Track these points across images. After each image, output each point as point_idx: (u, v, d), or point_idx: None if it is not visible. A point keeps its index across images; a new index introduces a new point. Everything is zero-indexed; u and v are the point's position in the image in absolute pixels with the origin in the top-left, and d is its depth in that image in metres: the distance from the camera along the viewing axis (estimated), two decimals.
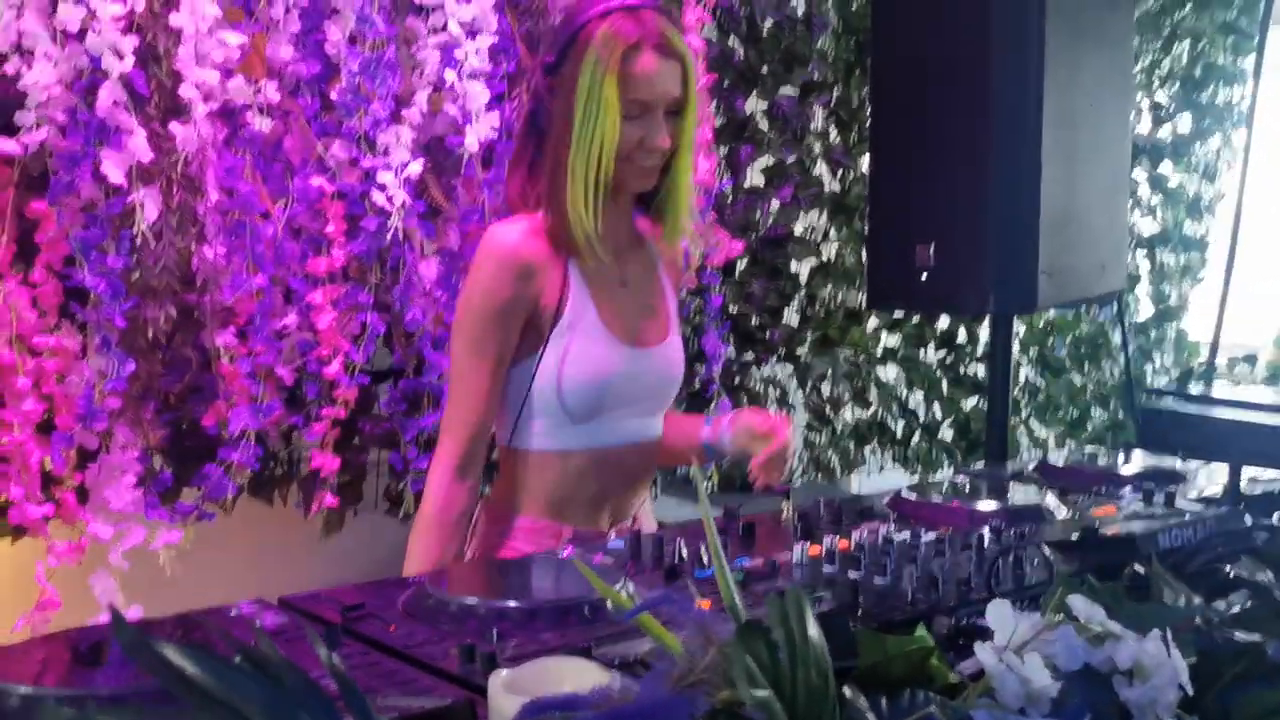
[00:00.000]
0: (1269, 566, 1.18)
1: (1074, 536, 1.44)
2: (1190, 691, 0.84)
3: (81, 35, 1.80)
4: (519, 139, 1.77)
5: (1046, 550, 1.27)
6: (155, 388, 2.06)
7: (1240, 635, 0.99)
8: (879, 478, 3.65)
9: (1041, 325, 4.02)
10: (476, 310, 1.67)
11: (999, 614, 0.88)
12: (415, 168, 2.10)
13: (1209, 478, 1.97)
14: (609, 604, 1.14)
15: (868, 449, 3.56)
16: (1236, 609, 1.09)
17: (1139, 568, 1.14)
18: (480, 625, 1.08)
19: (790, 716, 0.59)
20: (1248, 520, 1.51)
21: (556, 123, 1.65)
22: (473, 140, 2.17)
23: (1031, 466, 2.05)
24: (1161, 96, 4.35)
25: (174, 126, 1.89)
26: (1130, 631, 0.89)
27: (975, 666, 0.85)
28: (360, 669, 0.96)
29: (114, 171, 1.84)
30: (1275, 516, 1.54)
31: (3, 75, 1.82)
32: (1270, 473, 1.96)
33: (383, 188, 2.08)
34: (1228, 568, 1.18)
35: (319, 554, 2.39)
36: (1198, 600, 1.08)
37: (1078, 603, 0.92)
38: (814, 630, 0.63)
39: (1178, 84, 4.37)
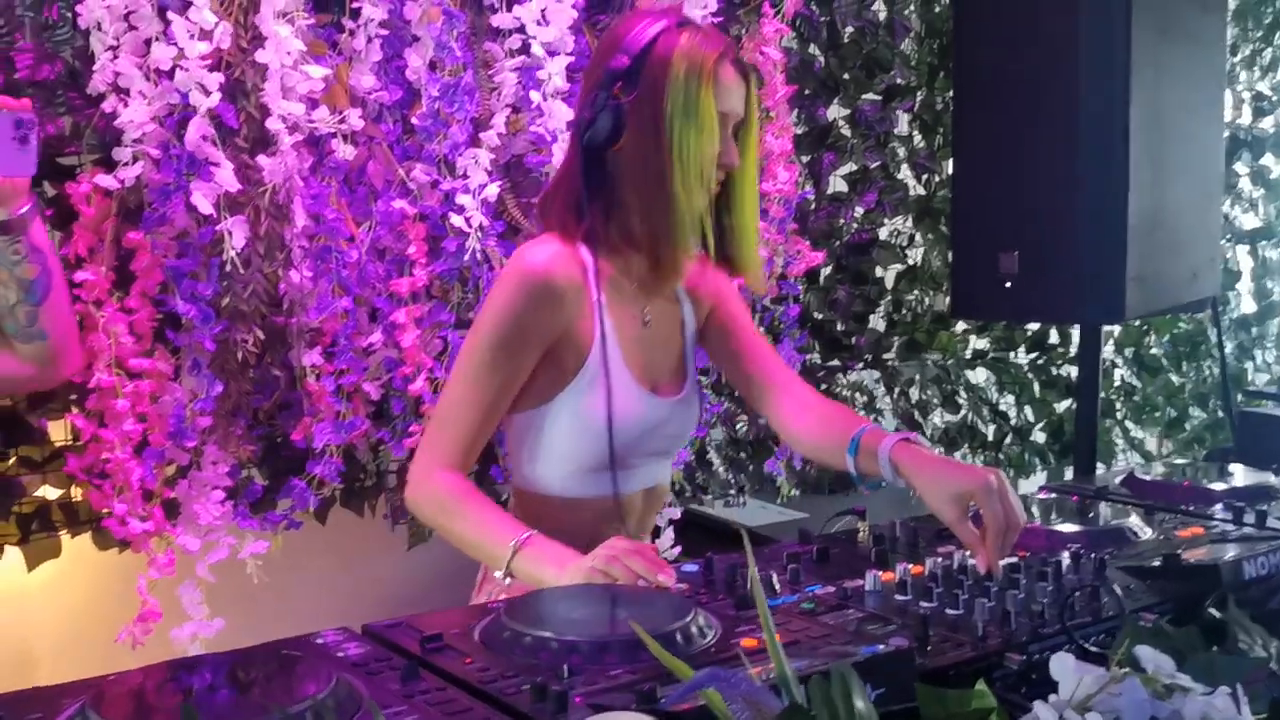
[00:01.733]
0: None
1: (1155, 563, 1.42)
2: None
3: (172, 73, 1.87)
4: (570, 161, 1.63)
5: (1117, 586, 1.24)
6: (245, 406, 2.13)
7: None
8: None
9: (1139, 324, 3.93)
10: (497, 326, 1.56)
11: (1063, 666, 0.88)
12: (493, 190, 2.14)
13: None
14: (678, 638, 1.16)
15: (958, 453, 3.52)
16: None
17: (1213, 611, 1.11)
18: (553, 659, 1.10)
19: None
20: None
21: (638, 128, 1.55)
22: (559, 158, 2.20)
23: (1119, 480, 2.02)
24: (1264, 86, 4.21)
25: (261, 158, 1.95)
26: (1199, 684, 0.88)
27: None
28: (436, 706, 1.00)
29: (203, 202, 1.90)
30: None
31: (101, 113, 1.90)
32: None
33: (461, 209, 2.12)
34: None
35: (405, 563, 2.45)
36: (1275, 644, 1.06)
37: (1145, 653, 0.91)
38: (861, 703, 0.63)
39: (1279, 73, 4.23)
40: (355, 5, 2.05)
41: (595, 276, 1.60)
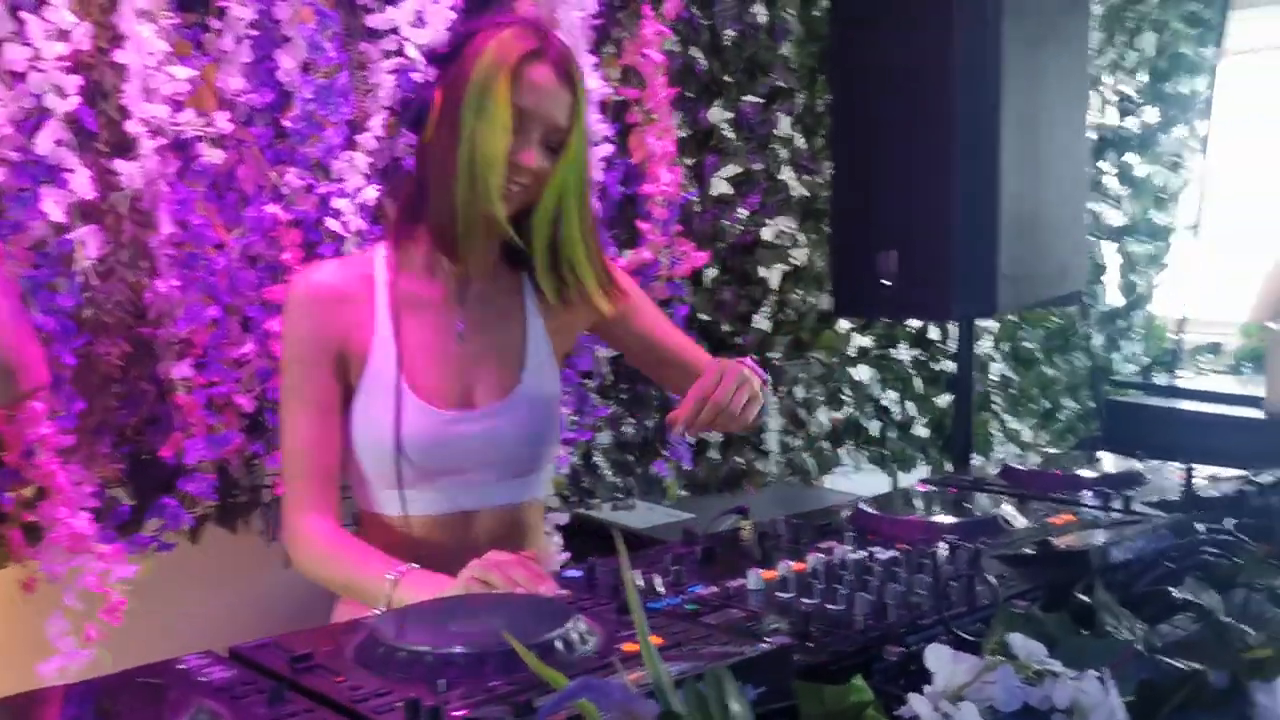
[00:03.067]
0: (1214, 587, 1.19)
1: (1028, 551, 1.45)
2: None
3: (25, 75, 1.79)
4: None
5: (991, 576, 1.27)
6: (111, 422, 2.05)
7: (1182, 663, 0.99)
8: (855, 478, 3.66)
9: (1013, 319, 4.04)
10: (285, 355, 1.56)
11: (938, 657, 0.88)
12: (371, 193, 2.09)
13: (1169, 477, 1.98)
14: (558, 645, 1.14)
15: (843, 450, 3.57)
16: (1182, 633, 1.09)
17: (1083, 596, 1.14)
18: (428, 673, 1.07)
19: None
20: (1201, 529, 1.51)
21: (439, 115, 1.51)
22: None
23: (995, 471, 2.06)
24: (1128, 88, 4.37)
25: (119, 163, 1.88)
26: (1069, 669, 0.89)
27: (912, 712, 0.85)
28: None
29: (54, 209, 1.83)
30: (1229, 523, 1.54)
31: None
32: (1228, 470, 1.98)
33: (338, 214, 2.07)
34: (1173, 590, 1.18)
35: (283, 580, 2.38)
36: (1141, 627, 1.08)
37: (1017, 640, 0.92)
38: (736, 705, 0.63)
39: (1144, 75, 4.39)
40: (222, 4, 2.00)
41: (389, 290, 1.56)
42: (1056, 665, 0.90)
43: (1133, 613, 1.13)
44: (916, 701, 0.82)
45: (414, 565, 1.47)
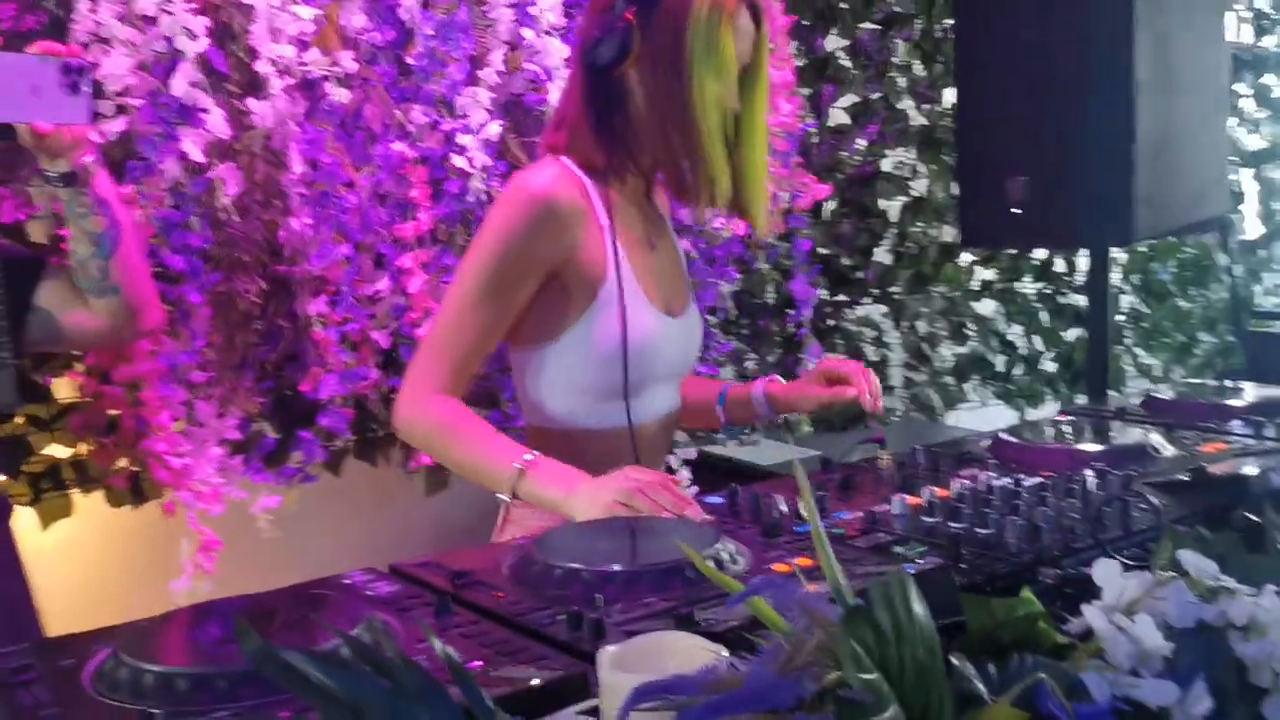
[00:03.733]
0: None
1: (1182, 477, 1.41)
2: None
3: (156, 19, 1.83)
4: (575, 84, 1.60)
5: (1151, 497, 1.23)
6: (251, 358, 2.10)
7: None
8: (981, 413, 3.60)
9: (1144, 250, 3.90)
10: (493, 254, 1.51)
11: (1106, 573, 0.86)
12: (494, 129, 2.10)
13: None
14: (710, 564, 1.14)
15: (968, 385, 3.51)
16: None
17: (1250, 514, 1.10)
18: (585, 590, 1.08)
19: (899, 695, 0.58)
20: None
21: (655, 58, 1.52)
22: (556, 96, 2.16)
23: (1137, 401, 2.00)
24: (1263, 4, 4.16)
25: (251, 102, 1.91)
26: (1244, 585, 0.86)
27: (1083, 627, 0.83)
28: (472, 638, 0.98)
29: (193, 150, 1.87)
30: None
31: None
32: None
33: (463, 150, 2.08)
34: None
35: (423, 512, 2.44)
36: None
37: (1188, 557, 0.89)
38: (919, 607, 0.62)
39: None
40: None
41: (602, 200, 1.57)
42: (1230, 581, 0.88)
43: None
44: (1090, 613, 0.80)
45: (538, 453, 1.47)
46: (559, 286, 1.55)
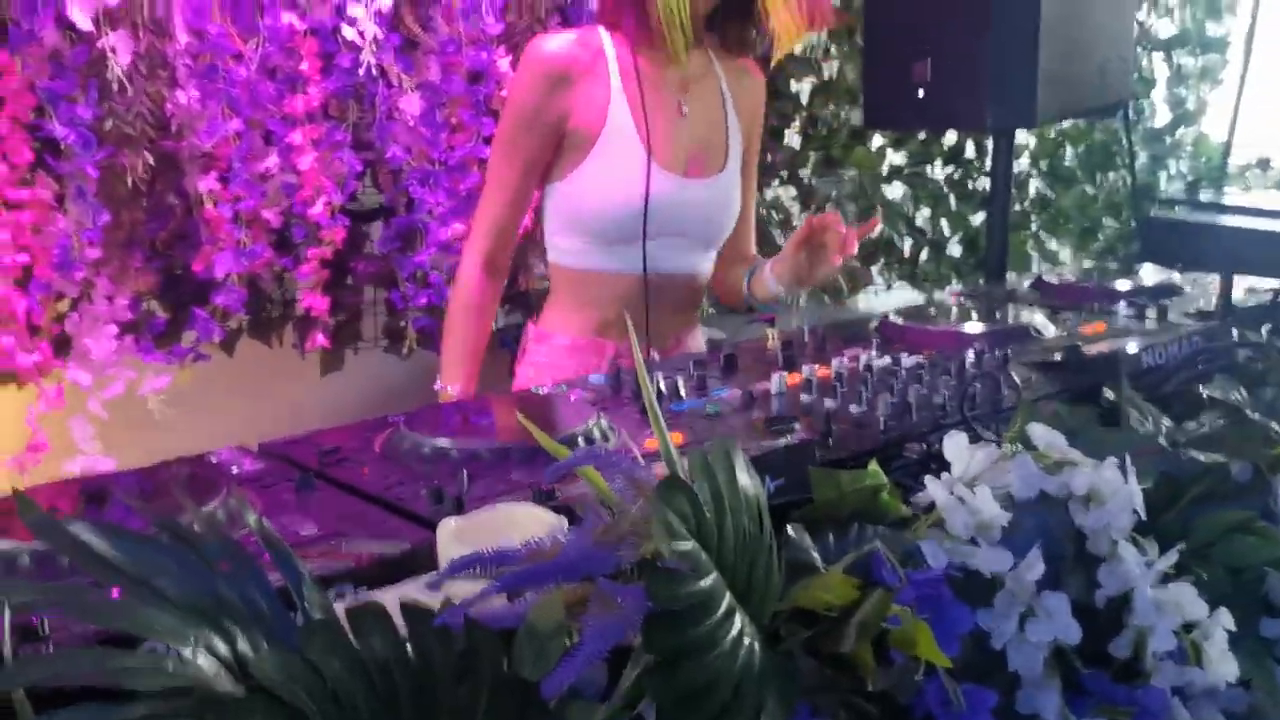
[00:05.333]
0: (1244, 385, 1.17)
1: (1055, 357, 1.44)
2: (1144, 515, 0.85)
3: None
4: None
5: (1015, 376, 1.25)
6: (140, 236, 2.04)
7: (1206, 456, 0.98)
8: (887, 297, 3.63)
9: (1052, 135, 3.93)
10: (508, 114, 1.71)
11: (955, 446, 0.88)
12: (386, 0, 2.03)
13: (1207, 290, 1.95)
14: (580, 440, 1.15)
15: (875, 268, 3.53)
16: (1206, 429, 1.08)
17: (1110, 392, 1.13)
18: (453, 468, 1.08)
19: (719, 564, 0.59)
20: (1235, 334, 1.49)
21: None
22: None
23: (1028, 284, 2.03)
24: None
25: None
26: (1090, 459, 0.89)
27: (929, 500, 0.86)
28: (332, 513, 0.98)
29: (81, 17, 1.79)
30: (1263, 329, 1.52)
31: None
32: (1269, 283, 1.94)
33: (354, 21, 2.02)
34: (1202, 388, 1.17)
35: (318, 390, 2.42)
36: (1167, 422, 1.08)
37: (1038, 430, 0.92)
38: (745, 478, 0.62)
39: None
40: None
41: (617, 63, 1.69)
42: (1076, 454, 0.90)
43: (1161, 411, 1.12)
44: (932, 485, 0.82)
45: (465, 392, 1.75)
46: (569, 137, 1.70)
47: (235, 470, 1.09)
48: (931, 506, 0.86)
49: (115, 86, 1.85)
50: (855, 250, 1.75)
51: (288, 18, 2.02)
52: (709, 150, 1.79)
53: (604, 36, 1.72)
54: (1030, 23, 2.26)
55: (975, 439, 1.10)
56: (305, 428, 1.21)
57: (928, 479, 0.82)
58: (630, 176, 1.68)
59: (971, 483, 0.86)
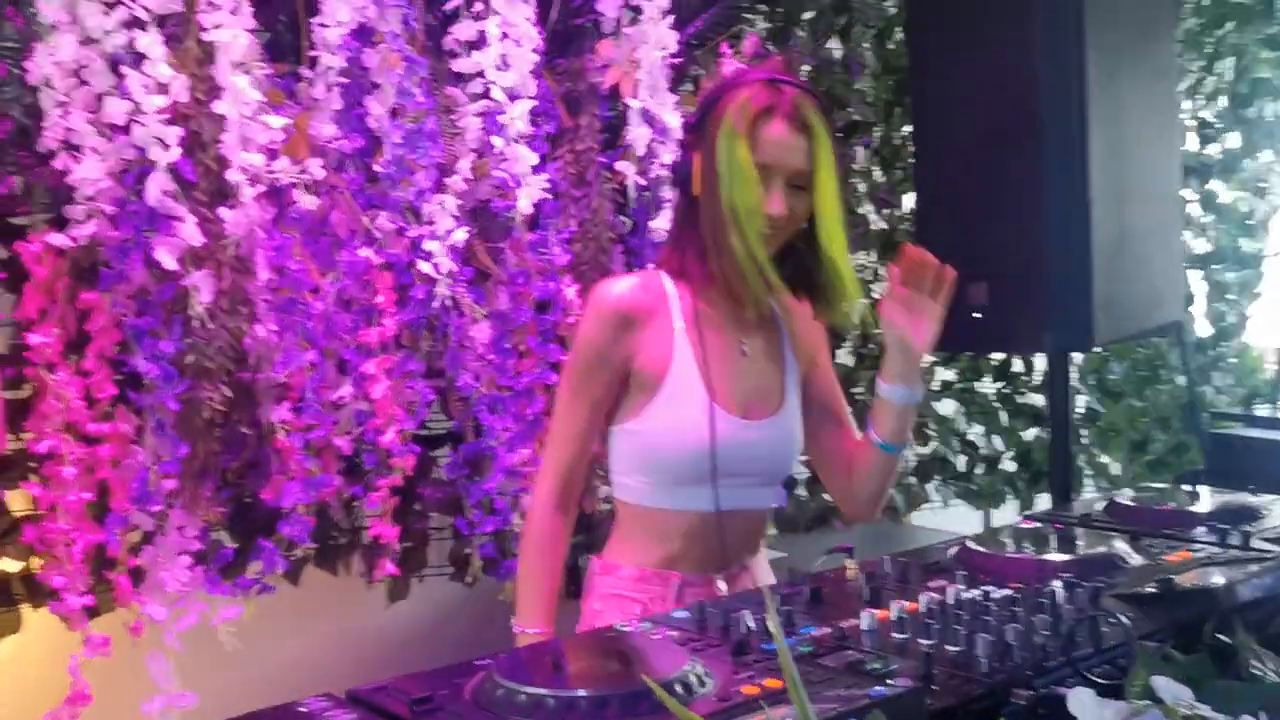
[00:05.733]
0: None
1: (1150, 589, 1.40)
2: None
3: (127, 129, 1.83)
4: (674, 205, 1.90)
5: (1122, 617, 1.22)
6: (213, 466, 2.07)
7: None
8: (944, 514, 3.60)
9: (1099, 351, 3.96)
10: (575, 354, 1.75)
11: (1081, 703, 0.86)
12: (460, 235, 2.11)
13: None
14: (677, 688, 1.12)
15: (930, 485, 3.52)
16: None
17: (1221, 635, 1.10)
18: (548, 716, 1.06)
19: None
20: None
21: (701, 178, 1.72)
22: (525, 203, 2.19)
23: (1100, 506, 2.01)
24: (1208, 114, 4.29)
25: (223, 211, 1.91)
26: (1219, 714, 0.86)
27: None
28: None
29: (167, 258, 1.87)
30: None
31: (52, 170, 1.86)
32: None
33: (429, 256, 2.09)
34: None
35: (386, 620, 2.39)
36: None
37: (1162, 684, 0.89)
38: None
39: (1224, 100, 4.31)
40: (313, 54, 2.03)
41: (680, 304, 1.75)
42: (1206, 710, 0.87)
43: (1275, 654, 1.09)
44: None
45: (542, 630, 1.73)
46: (635, 379, 1.73)
47: None
48: None
49: (198, 323, 1.92)
50: (954, 274, 1.76)
51: (365, 252, 2.10)
52: (768, 391, 1.81)
53: (665, 279, 1.78)
54: (1083, 247, 2.31)
55: (1086, 685, 1.07)
56: (376, 657, 1.19)
57: None
58: (695, 420, 1.71)
59: None
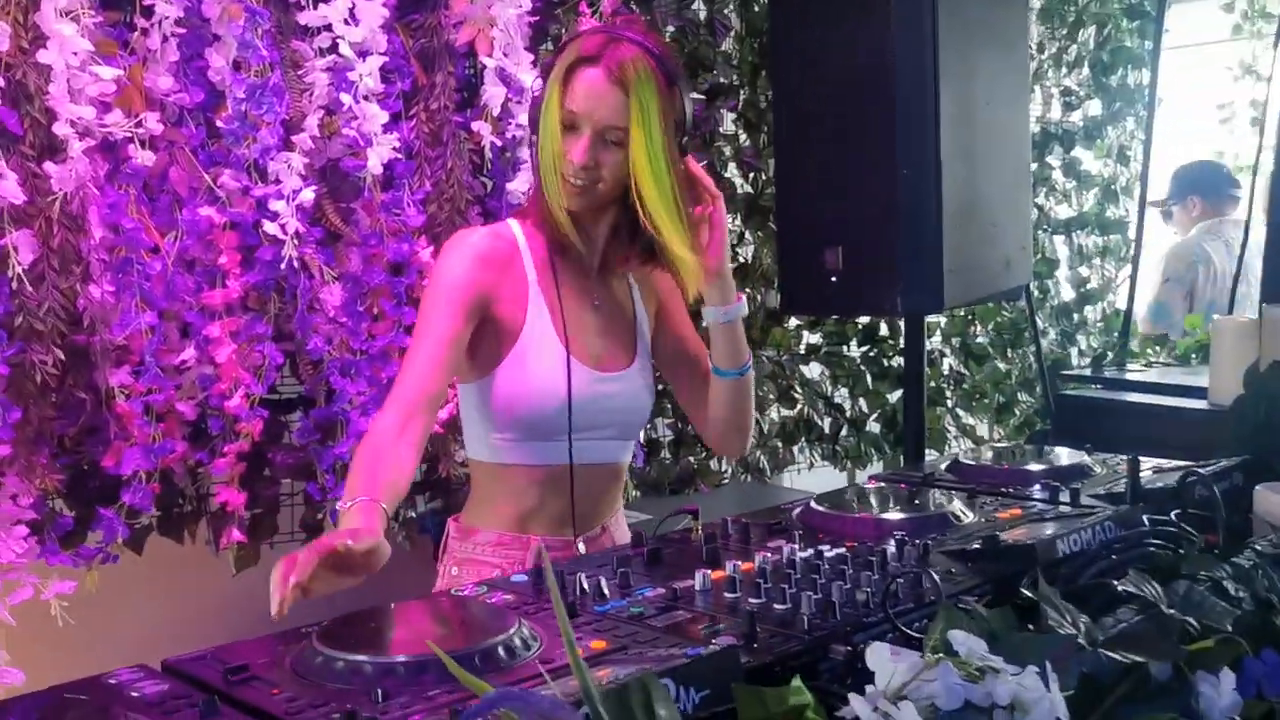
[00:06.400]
0: (1157, 579, 1.19)
1: (974, 546, 1.44)
2: None
3: None
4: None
5: (935, 575, 1.26)
6: (48, 432, 1.99)
7: (1123, 655, 0.99)
8: (810, 475, 3.66)
9: (963, 314, 4.05)
10: (429, 292, 1.70)
11: (878, 656, 0.87)
12: (308, 194, 2.05)
13: (1116, 470, 1.99)
14: (500, 651, 1.12)
15: (796, 447, 3.57)
16: (1123, 625, 1.09)
17: (1027, 589, 1.13)
18: (367, 683, 1.04)
19: None
20: (1145, 520, 1.52)
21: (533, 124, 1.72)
22: (375, 162, 2.14)
23: (944, 466, 2.06)
24: (1070, 82, 4.41)
25: (49, 166, 1.82)
26: (1010, 665, 0.89)
27: (854, 714, 0.84)
28: None
29: None
30: (1172, 514, 1.55)
31: None
32: (1174, 462, 1.99)
33: (275, 216, 2.03)
34: (1116, 582, 1.18)
35: (233, 589, 2.33)
36: (1084, 620, 1.08)
37: (958, 637, 0.91)
38: (664, 712, 0.61)
39: (1086, 69, 4.43)
40: (148, 3, 1.95)
41: (533, 257, 1.73)
42: (997, 661, 0.90)
43: (1077, 606, 1.12)
44: (856, 702, 0.81)
45: (366, 499, 1.45)
46: (489, 331, 1.70)
47: (135, 694, 1.04)
48: None
49: (19, 284, 1.83)
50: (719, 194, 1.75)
51: (207, 211, 2.03)
52: (619, 343, 1.81)
53: (517, 231, 1.76)
54: (933, 214, 2.36)
55: (903, 640, 1.10)
56: (221, 630, 1.16)
57: (852, 697, 0.81)
58: (551, 373, 1.70)
59: (896, 694, 0.85)
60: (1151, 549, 1.39)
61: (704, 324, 1.81)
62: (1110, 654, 1.00)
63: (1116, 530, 1.48)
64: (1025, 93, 2.83)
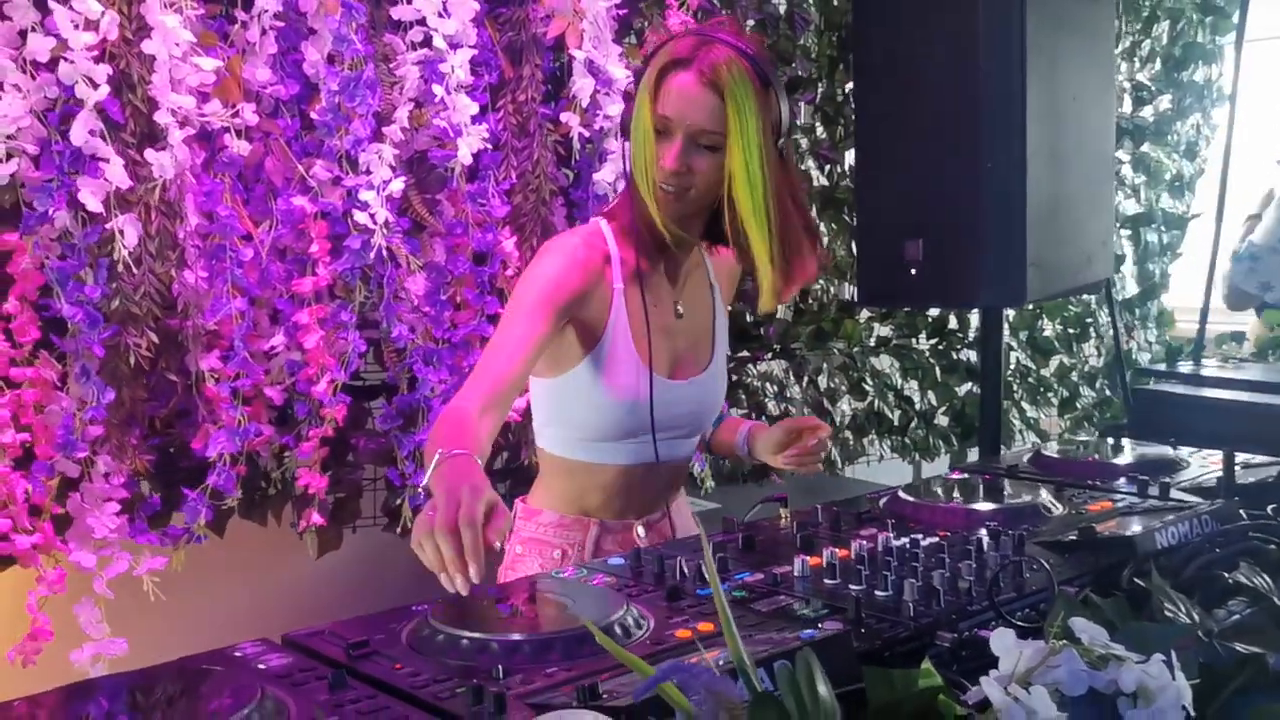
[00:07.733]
0: (1266, 571, 1.18)
1: (1071, 537, 1.44)
2: (1193, 712, 0.84)
3: (53, 65, 1.78)
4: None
5: (1044, 564, 1.26)
6: (140, 414, 2.04)
7: (1241, 646, 0.99)
8: (879, 467, 3.65)
9: (1032, 308, 4.02)
10: (522, 289, 1.66)
11: (1002, 642, 0.88)
12: (397, 185, 2.09)
13: (1201, 464, 1.98)
14: (616, 630, 1.14)
15: (866, 440, 3.56)
16: (1236, 617, 1.08)
17: (1138, 580, 1.13)
18: (487, 660, 1.07)
19: None
20: (1243, 515, 1.51)
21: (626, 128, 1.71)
22: (465, 152, 2.16)
23: (1026, 458, 2.06)
24: (1143, 77, 4.35)
25: (150, 153, 1.87)
26: (1132, 654, 0.89)
27: (981, 696, 0.85)
28: (369, 715, 0.96)
29: (91, 200, 1.82)
30: (1270, 508, 1.54)
31: None
32: (1261, 458, 1.97)
33: (365, 206, 2.07)
34: (1226, 574, 1.18)
35: (316, 572, 2.38)
36: (1197, 612, 1.08)
37: (1079, 625, 0.92)
38: (823, 688, 0.62)
39: (1158, 64, 4.37)
40: None
41: (620, 266, 1.71)
42: (1120, 649, 0.90)
43: (1186, 598, 1.12)
44: (988, 684, 0.82)
45: (464, 453, 1.38)
46: (573, 332, 1.70)
47: (262, 667, 1.07)
48: (983, 704, 0.86)
49: (122, 267, 1.88)
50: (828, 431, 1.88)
51: (300, 201, 2.07)
52: (698, 349, 1.83)
53: (608, 234, 1.74)
54: (1019, 205, 2.34)
55: (1008, 626, 1.10)
56: (306, 608, 1.18)
57: (983, 680, 0.82)
58: (626, 383, 1.70)
59: (1023, 680, 0.86)
60: (1255, 542, 1.38)
61: (737, 444, 1.97)
62: (1226, 645, 1.00)
63: (1213, 524, 1.48)
64: (1111, 87, 2.79)
